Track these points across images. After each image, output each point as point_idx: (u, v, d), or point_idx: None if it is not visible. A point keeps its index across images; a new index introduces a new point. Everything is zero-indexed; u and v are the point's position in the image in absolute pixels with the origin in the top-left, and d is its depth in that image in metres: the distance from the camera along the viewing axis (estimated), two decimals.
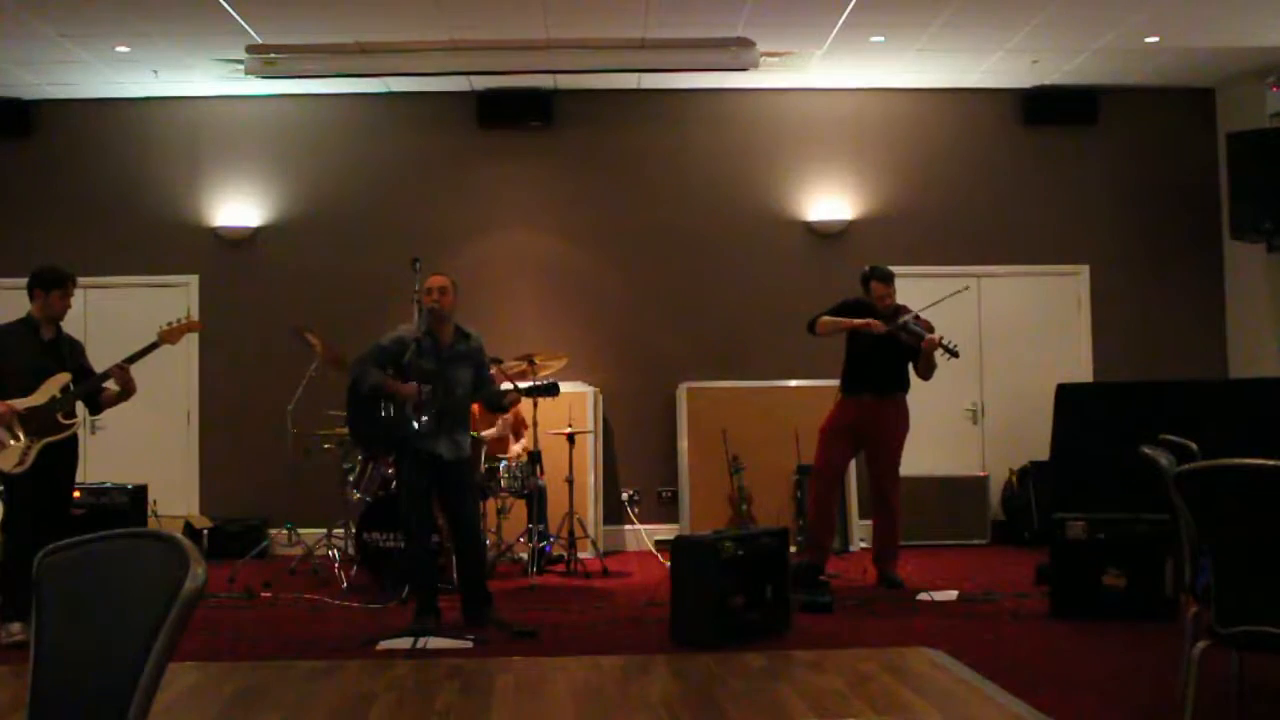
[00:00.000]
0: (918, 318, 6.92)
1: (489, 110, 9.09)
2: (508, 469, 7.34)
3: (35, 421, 5.58)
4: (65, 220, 8.95)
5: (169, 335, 5.99)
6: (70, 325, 6.01)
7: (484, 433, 7.57)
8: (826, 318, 7.02)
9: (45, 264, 5.90)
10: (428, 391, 5.74)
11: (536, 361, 7.61)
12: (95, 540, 2.06)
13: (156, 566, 1.92)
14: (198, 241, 9.07)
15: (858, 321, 6.88)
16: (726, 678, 4.80)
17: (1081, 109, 9.22)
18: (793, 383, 8.85)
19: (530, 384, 6.37)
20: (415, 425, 5.69)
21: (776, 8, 7.39)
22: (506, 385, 6.35)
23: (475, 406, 6.56)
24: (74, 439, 5.80)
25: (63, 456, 5.74)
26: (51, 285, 5.76)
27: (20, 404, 5.56)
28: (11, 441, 5.54)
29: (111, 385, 5.85)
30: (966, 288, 7.02)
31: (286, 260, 9.06)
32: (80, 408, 5.84)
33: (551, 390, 6.32)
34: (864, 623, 5.96)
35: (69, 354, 5.85)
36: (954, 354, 6.77)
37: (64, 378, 5.73)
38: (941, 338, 6.77)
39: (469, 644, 5.42)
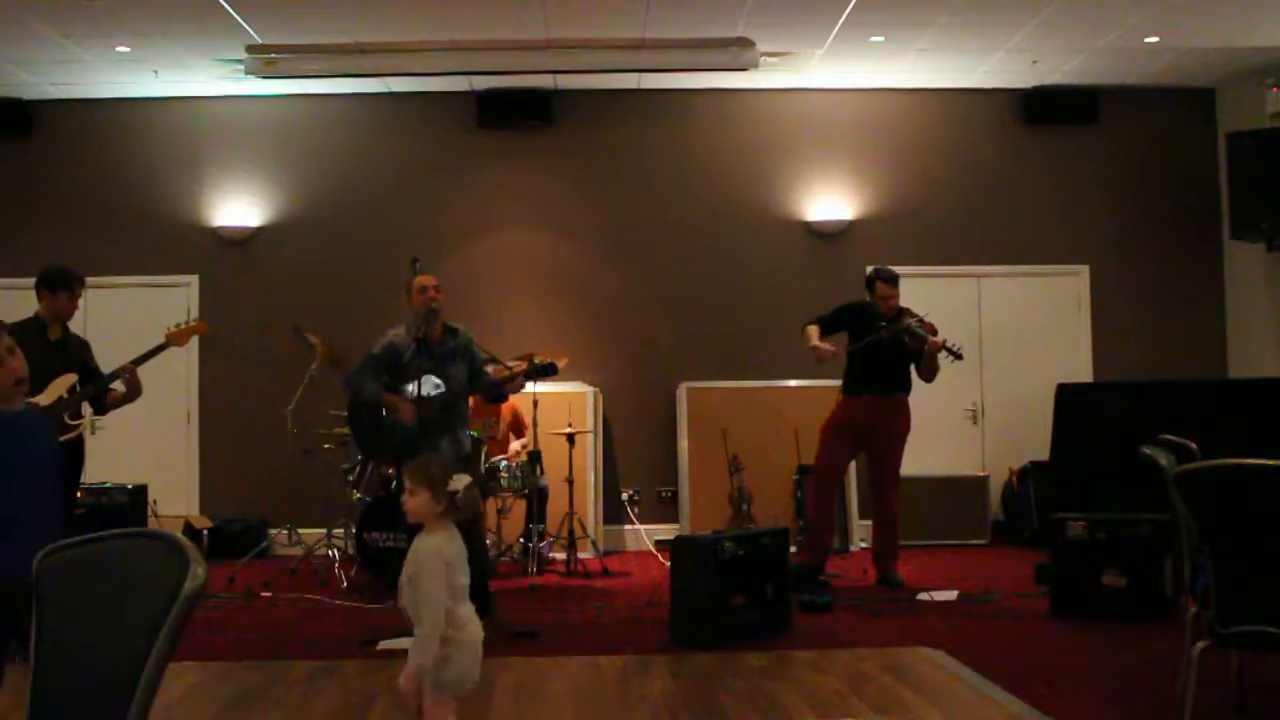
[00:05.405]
0: (921, 321, 6.93)
1: (489, 110, 9.08)
2: (508, 468, 7.34)
3: None
4: (65, 220, 8.95)
5: (176, 337, 6.00)
6: (70, 325, 5.99)
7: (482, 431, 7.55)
8: (811, 327, 7.07)
9: (53, 264, 5.86)
10: (415, 388, 5.76)
11: (536, 361, 7.59)
12: (95, 540, 2.07)
13: (156, 566, 1.92)
14: (198, 241, 9.07)
15: (811, 344, 6.94)
16: (726, 678, 4.80)
17: (1081, 109, 9.22)
18: (793, 383, 8.85)
19: (528, 367, 6.27)
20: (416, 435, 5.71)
21: (776, 8, 7.39)
22: (506, 375, 6.29)
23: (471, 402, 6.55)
24: (80, 440, 5.77)
25: (68, 458, 5.71)
26: (59, 286, 5.73)
27: None
28: None
29: (118, 386, 5.83)
30: (927, 315, 7.01)
31: (286, 260, 9.06)
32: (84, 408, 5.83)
33: (550, 370, 6.23)
34: (864, 623, 5.96)
35: (76, 354, 5.82)
36: (958, 356, 6.78)
37: (71, 378, 5.69)
38: (945, 340, 6.78)
39: None
